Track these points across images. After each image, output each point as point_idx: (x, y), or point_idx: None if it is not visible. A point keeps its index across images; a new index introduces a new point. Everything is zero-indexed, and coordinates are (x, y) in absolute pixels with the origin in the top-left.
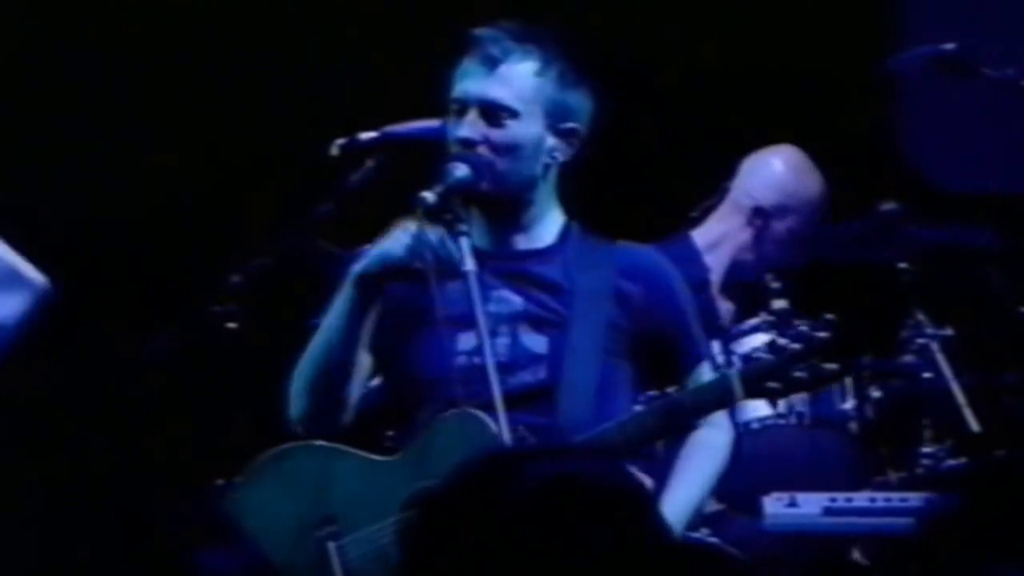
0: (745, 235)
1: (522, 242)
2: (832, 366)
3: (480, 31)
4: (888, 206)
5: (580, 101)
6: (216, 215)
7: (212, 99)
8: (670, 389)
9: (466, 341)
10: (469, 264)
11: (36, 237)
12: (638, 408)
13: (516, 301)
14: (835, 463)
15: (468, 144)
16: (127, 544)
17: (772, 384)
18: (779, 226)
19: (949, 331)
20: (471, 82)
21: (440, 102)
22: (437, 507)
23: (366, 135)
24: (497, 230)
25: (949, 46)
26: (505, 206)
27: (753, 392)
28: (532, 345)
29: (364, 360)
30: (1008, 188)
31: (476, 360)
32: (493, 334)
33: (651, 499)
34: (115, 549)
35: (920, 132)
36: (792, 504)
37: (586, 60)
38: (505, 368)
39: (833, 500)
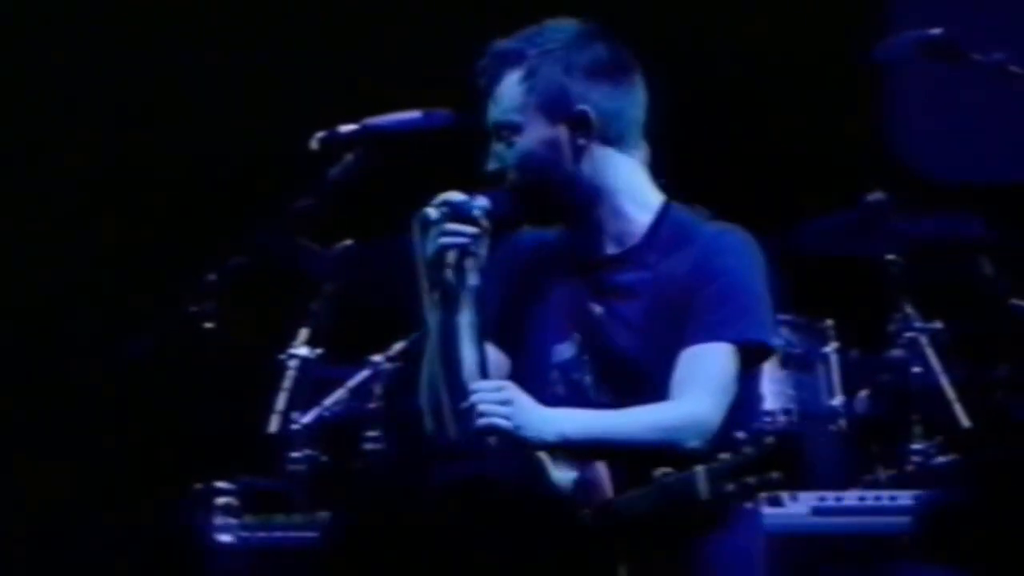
0: None
1: (610, 245)
2: (777, 475)
3: (476, 65)
4: (875, 197)
5: (583, 85)
6: (193, 213)
7: (189, 96)
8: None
9: (560, 352)
10: (473, 280)
11: (16, 236)
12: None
13: (601, 312)
14: (823, 461)
15: (495, 177)
16: (108, 543)
17: (728, 487)
18: None
19: (938, 324)
20: (483, 116)
21: (420, 94)
22: (349, 510)
23: (346, 128)
24: (580, 237)
25: (935, 31)
26: (567, 213)
27: (714, 491)
28: (614, 361)
29: (503, 361)
30: (998, 177)
31: (574, 375)
32: (583, 349)
33: (558, 503)
34: (96, 548)
35: (907, 121)
36: (780, 504)
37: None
38: (591, 387)
39: (822, 499)
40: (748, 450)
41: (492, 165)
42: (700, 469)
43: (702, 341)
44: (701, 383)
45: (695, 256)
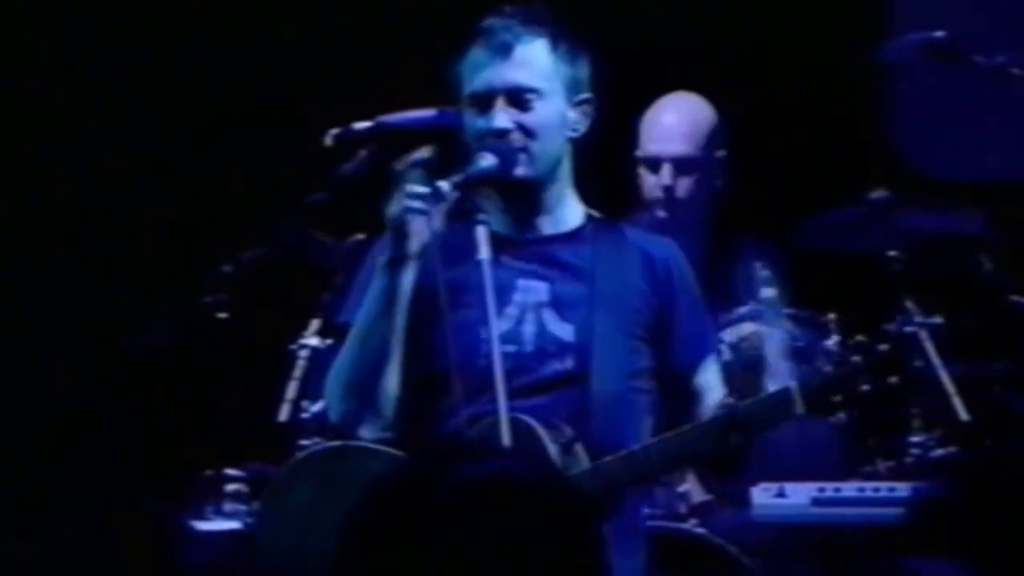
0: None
1: (548, 226)
2: (894, 379)
3: (487, 21)
4: (878, 194)
5: (586, 72)
6: (209, 205)
7: (205, 88)
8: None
9: (503, 322)
10: (484, 253)
11: (30, 227)
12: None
13: (541, 288)
14: (823, 453)
15: (503, 134)
16: (122, 536)
17: (835, 398)
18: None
19: (938, 319)
20: (491, 72)
21: (435, 92)
22: (367, 510)
23: (360, 125)
24: (523, 215)
25: (939, 33)
26: (536, 188)
27: (814, 406)
28: (559, 332)
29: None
30: (998, 175)
31: (507, 347)
32: (520, 321)
33: (582, 499)
34: (109, 541)
35: (910, 119)
36: (780, 494)
37: (585, 31)
38: (532, 356)
39: (821, 490)
40: (856, 359)
41: (503, 123)
42: (792, 385)
43: (708, 355)
44: None
45: (669, 259)
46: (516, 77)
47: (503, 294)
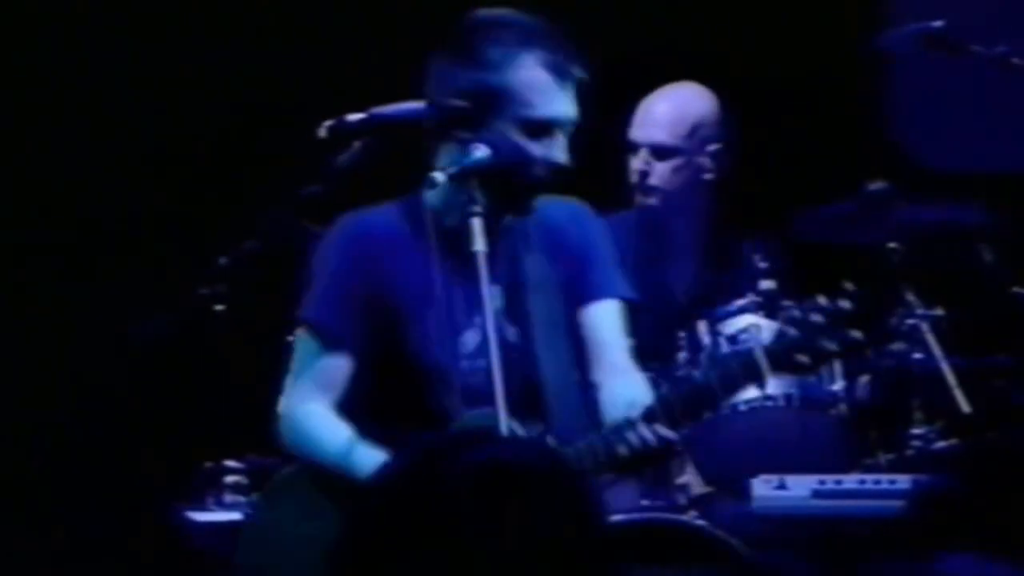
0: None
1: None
2: (858, 334)
3: (544, 39)
4: (877, 185)
5: None
6: (205, 196)
7: (198, 81)
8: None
9: (467, 343)
10: (480, 245)
11: (27, 223)
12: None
13: (496, 292)
14: (824, 445)
15: (565, 170)
16: (120, 528)
17: (800, 357)
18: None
19: (939, 311)
20: (560, 106)
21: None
22: (374, 497)
23: (353, 117)
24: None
25: (937, 23)
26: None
27: (780, 366)
28: (512, 338)
29: (346, 366)
30: (997, 166)
31: (480, 363)
32: (484, 336)
33: (586, 483)
34: (108, 534)
35: (909, 110)
36: (781, 486)
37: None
38: (499, 367)
39: (822, 482)
40: (820, 319)
41: (565, 159)
42: (758, 347)
43: (609, 296)
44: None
45: (570, 220)
46: (573, 113)
47: (466, 305)
